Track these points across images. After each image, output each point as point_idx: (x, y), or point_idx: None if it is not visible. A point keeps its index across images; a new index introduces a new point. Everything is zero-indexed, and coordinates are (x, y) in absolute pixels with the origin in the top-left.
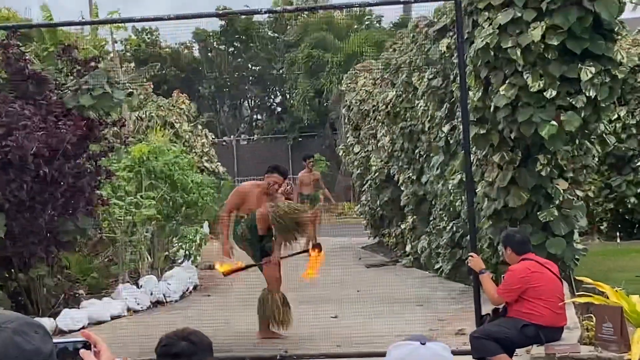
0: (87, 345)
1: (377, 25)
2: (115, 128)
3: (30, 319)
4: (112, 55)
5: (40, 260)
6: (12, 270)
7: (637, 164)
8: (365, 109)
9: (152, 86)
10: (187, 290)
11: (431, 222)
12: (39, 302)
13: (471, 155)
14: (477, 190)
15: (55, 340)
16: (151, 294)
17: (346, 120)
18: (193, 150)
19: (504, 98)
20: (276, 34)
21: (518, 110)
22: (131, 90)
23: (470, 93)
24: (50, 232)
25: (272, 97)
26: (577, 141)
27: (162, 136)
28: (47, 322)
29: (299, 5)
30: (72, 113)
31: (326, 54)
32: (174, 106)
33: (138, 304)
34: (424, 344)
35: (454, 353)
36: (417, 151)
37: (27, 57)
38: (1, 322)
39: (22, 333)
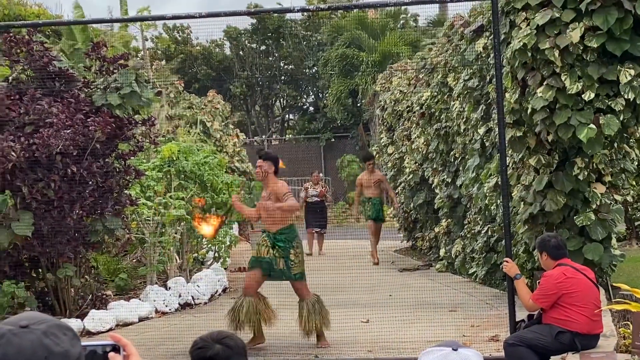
0: (116, 349)
1: (413, 24)
2: (145, 127)
3: (60, 321)
4: (142, 53)
5: (68, 260)
6: (40, 270)
7: None
8: (400, 110)
9: (182, 84)
10: (216, 293)
11: (466, 226)
12: (66, 302)
13: (507, 158)
14: (512, 194)
15: (84, 343)
16: (179, 296)
17: (380, 121)
18: (224, 150)
19: (541, 100)
20: (309, 33)
21: (555, 113)
22: (160, 89)
23: (507, 94)
24: (78, 232)
25: (305, 96)
26: (615, 145)
27: (192, 135)
28: (75, 323)
29: (332, 4)
30: (101, 111)
31: (361, 52)
32: (206, 105)
33: (166, 306)
34: (456, 349)
35: None
36: (452, 153)
37: (51, 54)
38: (30, 324)
39: (51, 335)
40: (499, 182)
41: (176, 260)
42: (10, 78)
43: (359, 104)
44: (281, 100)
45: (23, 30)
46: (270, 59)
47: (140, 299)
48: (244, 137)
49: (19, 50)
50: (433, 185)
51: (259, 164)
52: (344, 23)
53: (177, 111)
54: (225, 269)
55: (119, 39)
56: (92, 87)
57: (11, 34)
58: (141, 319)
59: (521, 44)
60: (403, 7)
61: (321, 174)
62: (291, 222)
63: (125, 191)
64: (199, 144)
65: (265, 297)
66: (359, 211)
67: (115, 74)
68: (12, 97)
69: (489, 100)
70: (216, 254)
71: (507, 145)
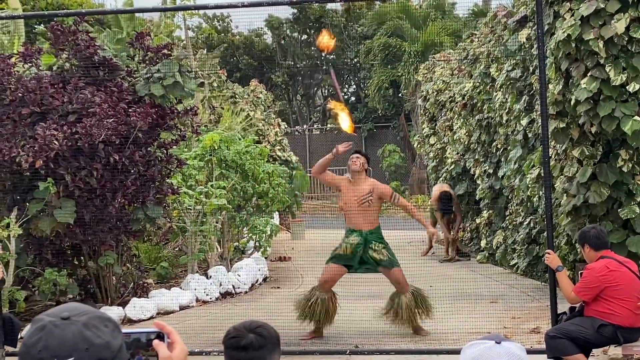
0: (160, 336)
1: (454, 13)
2: (187, 117)
3: (101, 313)
4: (184, 42)
5: (110, 248)
6: (82, 258)
7: None
8: (442, 100)
9: (225, 73)
10: (256, 282)
11: (507, 218)
12: (108, 290)
13: (550, 149)
14: (555, 186)
15: (128, 330)
16: (220, 285)
17: (422, 111)
18: (266, 139)
19: (585, 91)
20: (350, 23)
21: (599, 105)
22: (202, 80)
23: (550, 86)
24: (120, 220)
25: (346, 86)
26: None
27: (237, 123)
28: (116, 311)
29: None
30: (143, 100)
31: (403, 42)
32: (249, 95)
33: (207, 295)
34: (499, 343)
35: (529, 352)
36: (494, 144)
37: (97, 44)
38: (72, 315)
39: (92, 327)
40: (542, 174)
41: (217, 249)
42: (54, 67)
43: (400, 94)
44: (322, 89)
45: (69, 20)
46: (312, 48)
47: (181, 288)
48: (286, 126)
49: (65, 40)
50: (475, 176)
51: (356, 157)
52: (387, 11)
53: (216, 101)
54: (265, 258)
55: (164, 28)
56: (135, 76)
57: (58, 23)
58: (182, 308)
59: (565, 34)
60: None
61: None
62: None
63: (167, 180)
64: (244, 132)
65: (335, 293)
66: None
67: (158, 64)
68: (55, 86)
69: (532, 91)
70: (257, 243)
71: (550, 136)
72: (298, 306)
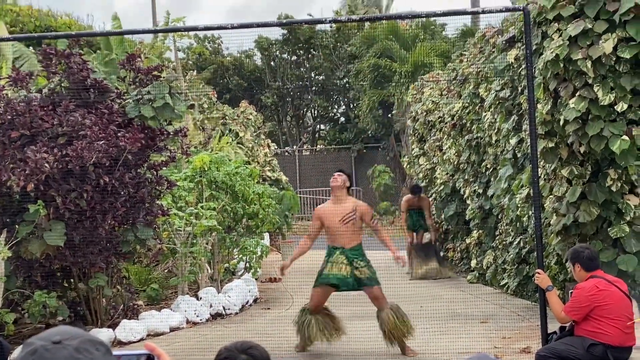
0: (151, 358)
1: (443, 34)
2: (177, 138)
3: (92, 336)
4: (174, 64)
5: (100, 270)
6: (72, 280)
7: None
8: (432, 120)
9: (215, 94)
10: (247, 303)
11: (497, 237)
12: (98, 312)
13: (539, 169)
14: (545, 205)
15: (119, 352)
16: (210, 306)
17: (411, 132)
18: (255, 160)
19: (574, 111)
20: (339, 44)
21: (588, 124)
22: (193, 102)
23: (539, 105)
24: (110, 242)
25: (336, 107)
26: None
27: (226, 143)
28: (106, 333)
29: (363, 15)
30: (133, 123)
31: (393, 63)
32: (238, 116)
33: (197, 316)
34: None
35: None
36: (483, 164)
37: (89, 67)
38: (63, 339)
39: (83, 351)
40: (531, 193)
41: (207, 270)
42: (44, 89)
43: (390, 115)
44: (312, 110)
45: (59, 42)
46: (301, 69)
47: (171, 309)
48: (275, 147)
49: (58, 63)
50: (464, 196)
51: (337, 174)
52: (376, 33)
53: (210, 123)
54: (256, 279)
55: (154, 50)
56: (125, 98)
57: (51, 46)
58: (172, 329)
59: (553, 54)
60: (433, 19)
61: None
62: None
63: (157, 201)
64: (233, 153)
65: (328, 309)
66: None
67: (148, 86)
68: (45, 108)
69: (521, 111)
70: (247, 265)
71: (539, 156)
72: (297, 331)
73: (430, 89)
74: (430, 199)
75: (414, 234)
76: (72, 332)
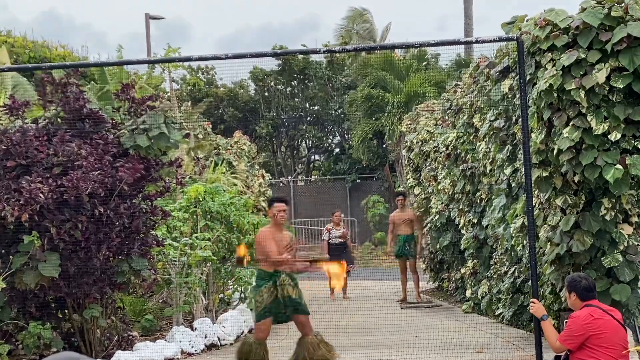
0: None
1: (437, 64)
2: (172, 168)
3: (88, 359)
4: (169, 94)
5: (95, 301)
6: (66, 310)
7: None
8: (426, 150)
9: (210, 125)
10: (242, 333)
11: (492, 267)
12: (92, 343)
13: (533, 198)
14: (539, 235)
15: None
16: (205, 337)
17: (406, 162)
18: (250, 190)
19: (568, 140)
20: (334, 75)
21: (582, 153)
22: (188, 131)
23: (533, 135)
24: (104, 272)
25: (330, 137)
26: None
27: (221, 173)
28: None
29: (357, 45)
30: (129, 153)
31: (387, 93)
32: (232, 146)
33: (192, 347)
34: None
35: None
36: (478, 194)
37: (85, 97)
38: None
39: None
40: (526, 223)
41: (202, 301)
42: (40, 119)
43: (384, 145)
44: (307, 141)
45: (54, 72)
46: (296, 100)
47: (166, 340)
48: (270, 177)
49: (54, 92)
50: (459, 226)
51: (283, 207)
52: (370, 63)
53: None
54: (251, 309)
55: (153, 80)
56: (120, 128)
57: (49, 75)
58: None
59: (547, 84)
60: (427, 48)
61: (342, 214)
62: None
63: (152, 232)
64: (232, 184)
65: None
66: (392, 247)
67: (143, 116)
68: (40, 138)
69: (515, 141)
70: (242, 295)
71: (533, 185)
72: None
73: (426, 118)
74: (425, 230)
75: (403, 260)
76: (68, 356)
